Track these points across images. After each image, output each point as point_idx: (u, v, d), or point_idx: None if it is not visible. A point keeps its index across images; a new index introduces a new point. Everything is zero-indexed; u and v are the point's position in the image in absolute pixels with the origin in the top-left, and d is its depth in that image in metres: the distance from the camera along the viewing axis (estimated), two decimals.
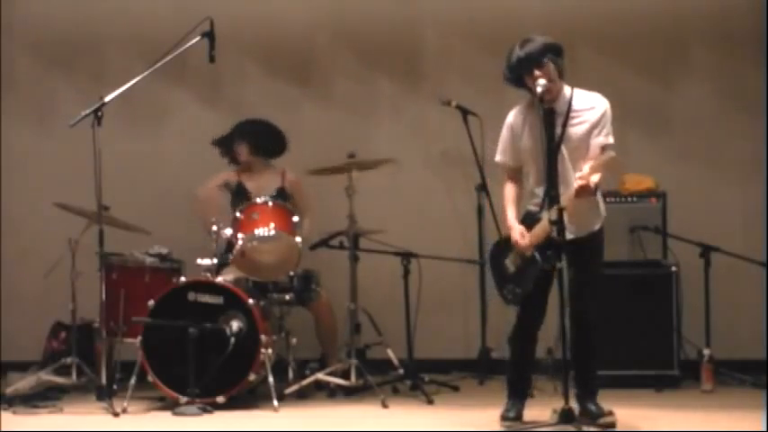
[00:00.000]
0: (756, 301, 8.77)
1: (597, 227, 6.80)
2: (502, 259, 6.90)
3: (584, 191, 6.56)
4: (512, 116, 6.90)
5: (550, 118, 6.69)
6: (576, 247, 6.65)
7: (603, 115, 6.74)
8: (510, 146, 6.88)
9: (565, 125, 6.68)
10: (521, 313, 6.90)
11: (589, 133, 6.72)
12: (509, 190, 6.91)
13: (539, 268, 6.69)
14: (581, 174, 6.56)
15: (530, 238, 6.72)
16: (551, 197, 6.61)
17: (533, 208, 6.81)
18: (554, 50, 6.71)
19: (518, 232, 6.76)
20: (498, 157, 6.97)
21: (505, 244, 6.90)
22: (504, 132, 6.91)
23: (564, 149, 6.67)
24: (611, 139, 6.73)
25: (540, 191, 6.77)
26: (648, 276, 8.35)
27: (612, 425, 6.72)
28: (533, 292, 6.77)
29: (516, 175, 6.91)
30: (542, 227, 6.68)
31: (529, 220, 6.79)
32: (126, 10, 9.16)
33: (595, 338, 6.81)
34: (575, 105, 6.74)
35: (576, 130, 6.71)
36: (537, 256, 6.69)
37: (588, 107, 6.74)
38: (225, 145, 8.57)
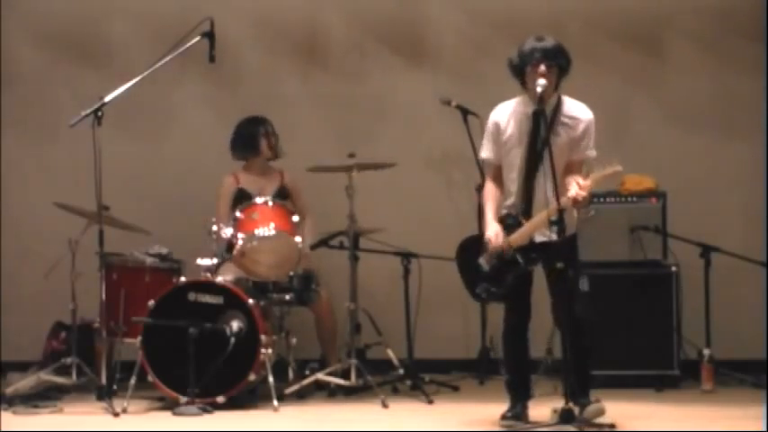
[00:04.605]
0: (756, 301, 8.78)
1: (573, 230, 6.77)
2: (474, 257, 6.85)
3: (584, 202, 6.55)
4: (498, 111, 6.88)
5: (538, 119, 6.69)
6: (553, 251, 6.61)
7: (587, 128, 6.73)
8: (495, 142, 6.86)
9: (549, 130, 6.67)
10: (507, 315, 6.89)
11: (569, 144, 6.70)
12: (490, 188, 6.88)
13: (521, 270, 6.69)
14: (583, 183, 6.52)
15: (513, 240, 6.70)
16: (527, 202, 6.65)
17: (511, 211, 6.79)
18: (566, 58, 6.72)
19: (494, 231, 6.74)
20: (484, 154, 6.95)
21: (479, 242, 6.86)
22: (490, 128, 6.89)
23: (545, 154, 6.63)
24: (593, 153, 6.71)
25: (515, 190, 6.76)
26: (648, 276, 8.35)
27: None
28: (517, 293, 6.77)
29: (500, 174, 6.86)
30: (526, 229, 6.67)
31: (510, 221, 6.77)
32: (128, 9, 9.17)
33: (587, 338, 6.76)
34: (561, 112, 6.73)
35: (558, 137, 6.69)
36: (519, 258, 6.69)
37: (573, 117, 6.73)
38: (242, 140, 8.48)
